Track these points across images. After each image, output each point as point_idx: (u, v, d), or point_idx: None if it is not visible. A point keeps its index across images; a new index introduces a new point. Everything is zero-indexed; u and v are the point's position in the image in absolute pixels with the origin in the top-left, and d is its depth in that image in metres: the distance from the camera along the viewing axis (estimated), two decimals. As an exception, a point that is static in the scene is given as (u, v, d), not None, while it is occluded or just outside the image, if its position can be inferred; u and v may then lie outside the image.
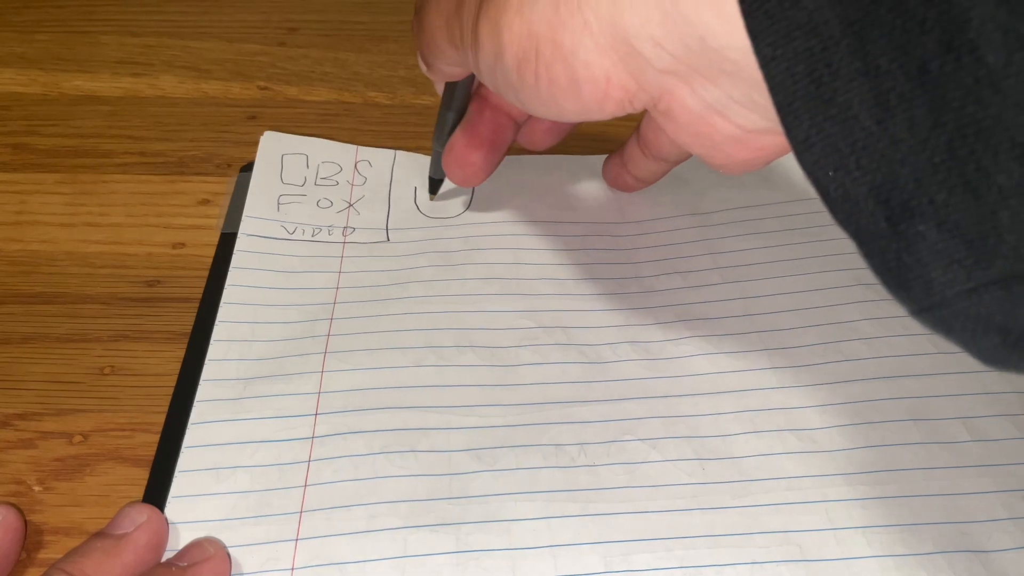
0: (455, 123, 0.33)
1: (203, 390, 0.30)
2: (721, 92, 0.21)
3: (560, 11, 0.21)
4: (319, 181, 0.38)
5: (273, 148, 0.40)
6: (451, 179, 0.34)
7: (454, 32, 0.26)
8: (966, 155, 0.16)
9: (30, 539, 0.27)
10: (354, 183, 0.38)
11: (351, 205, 0.38)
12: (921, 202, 0.17)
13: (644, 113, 0.32)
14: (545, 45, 0.22)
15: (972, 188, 0.16)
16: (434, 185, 0.37)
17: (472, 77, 0.32)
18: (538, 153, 0.39)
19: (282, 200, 0.37)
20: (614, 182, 0.38)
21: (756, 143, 0.22)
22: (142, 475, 0.28)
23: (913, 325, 0.31)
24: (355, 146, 0.40)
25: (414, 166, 0.39)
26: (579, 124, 0.34)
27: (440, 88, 0.33)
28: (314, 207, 0.37)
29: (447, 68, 0.29)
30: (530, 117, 0.33)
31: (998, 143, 0.16)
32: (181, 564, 0.25)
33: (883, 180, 0.17)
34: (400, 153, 0.40)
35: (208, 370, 0.31)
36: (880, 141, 0.17)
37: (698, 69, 0.20)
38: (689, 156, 0.33)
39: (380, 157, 0.40)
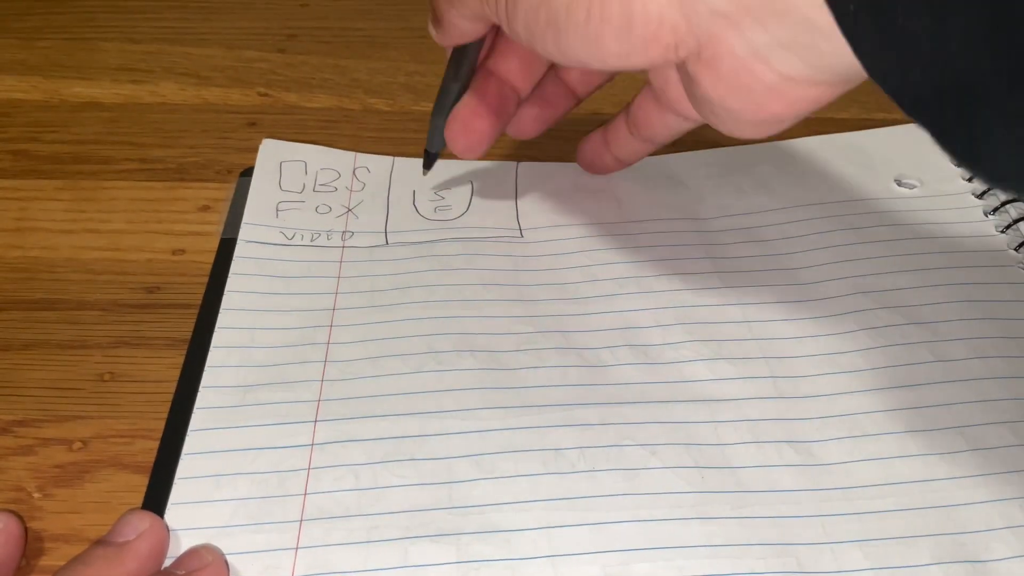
0: (458, 96, 0.33)
1: (203, 396, 0.30)
2: (769, 36, 0.21)
3: None
4: (317, 187, 0.39)
5: (272, 155, 0.40)
6: (453, 148, 0.33)
7: None
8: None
9: (30, 546, 0.27)
10: (352, 188, 0.39)
11: (349, 210, 0.38)
12: (988, 95, 0.18)
13: (640, 90, 0.32)
14: None
15: None
16: (429, 159, 0.36)
17: (480, 43, 0.32)
18: (536, 161, 0.39)
19: (281, 206, 0.37)
20: (591, 162, 0.38)
21: (793, 94, 0.23)
22: (142, 482, 0.28)
23: (911, 334, 0.32)
24: (353, 153, 0.40)
25: (413, 171, 0.39)
26: (570, 111, 0.35)
27: (448, 54, 0.33)
28: (313, 212, 0.37)
29: (462, 22, 0.29)
30: (529, 97, 0.34)
31: None
32: (179, 573, 0.25)
33: (948, 78, 0.18)
34: (398, 160, 0.40)
35: (208, 376, 0.31)
36: (940, 40, 0.18)
37: (750, 9, 0.21)
38: (677, 136, 0.33)
39: (378, 163, 0.40)
